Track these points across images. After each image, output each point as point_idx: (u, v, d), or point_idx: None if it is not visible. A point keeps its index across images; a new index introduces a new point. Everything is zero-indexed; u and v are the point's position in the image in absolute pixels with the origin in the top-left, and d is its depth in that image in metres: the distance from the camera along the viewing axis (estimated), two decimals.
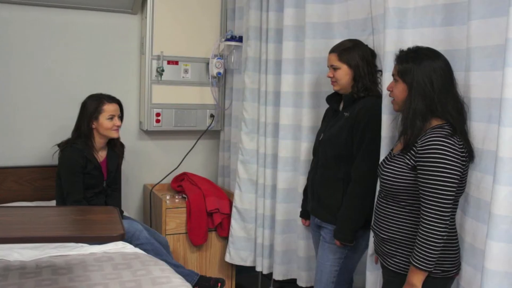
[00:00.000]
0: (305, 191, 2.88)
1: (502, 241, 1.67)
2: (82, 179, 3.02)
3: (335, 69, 2.53)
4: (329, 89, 2.66)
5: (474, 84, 1.93)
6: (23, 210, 2.44)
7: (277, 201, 3.21)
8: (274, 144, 3.28)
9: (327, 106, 2.75)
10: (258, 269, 3.45)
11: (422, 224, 1.88)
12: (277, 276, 3.28)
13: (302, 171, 3.00)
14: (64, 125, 3.29)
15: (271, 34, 3.25)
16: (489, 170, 1.88)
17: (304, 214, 2.92)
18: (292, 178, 3.16)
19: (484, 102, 1.91)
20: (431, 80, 1.93)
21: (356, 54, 2.48)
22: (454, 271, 1.99)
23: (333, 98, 2.66)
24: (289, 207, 3.17)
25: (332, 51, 2.56)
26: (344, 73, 2.51)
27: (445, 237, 1.87)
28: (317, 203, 2.64)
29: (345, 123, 2.49)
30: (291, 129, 3.14)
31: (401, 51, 2.06)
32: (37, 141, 3.53)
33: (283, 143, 3.15)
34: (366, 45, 2.55)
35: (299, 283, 3.16)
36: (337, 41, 2.65)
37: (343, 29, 2.82)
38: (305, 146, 2.99)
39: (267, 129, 3.31)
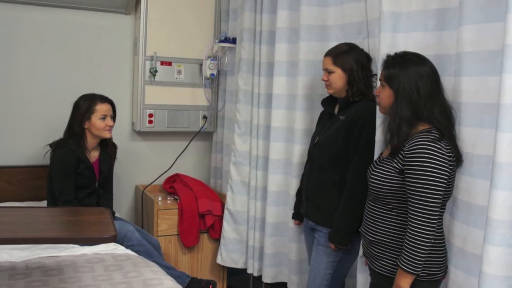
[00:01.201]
0: (298, 194, 2.88)
1: (500, 245, 1.68)
2: (74, 179, 3.01)
3: (329, 72, 2.52)
4: (324, 92, 2.66)
5: (465, 90, 1.94)
6: (14, 210, 2.43)
7: (268, 204, 3.21)
8: (265, 146, 3.27)
9: (321, 109, 2.75)
10: (250, 271, 3.44)
11: (410, 227, 1.88)
12: (266, 279, 3.28)
13: (294, 174, 3.00)
14: (56, 125, 3.26)
15: (264, 36, 3.25)
16: (480, 174, 1.89)
17: (297, 216, 2.91)
18: (283, 181, 3.16)
19: (475, 107, 1.91)
20: (417, 86, 1.93)
21: (351, 58, 2.48)
22: (441, 274, 1.99)
23: (329, 101, 2.66)
24: (280, 210, 3.17)
25: (327, 54, 2.56)
26: (338, 77, 2.51)
27: (432, 241, 1.87)
28: (312, 206, 2.63)
29: (341, 127, 2.49)
30: (283, 131, 3.13)
31: (388, 56, 2.07)
32: (28, 141, 3.51)
33: (274, 145, 3.15)
34: (362, 49, 2.56)
35: (290, 286, 3.15)
36: (333, 44, 2.65)
37: (339, 32, 2.82)
38: (299, 149, 2.99)
39: (259, 131, 3.31)
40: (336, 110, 2.62)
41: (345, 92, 2.52)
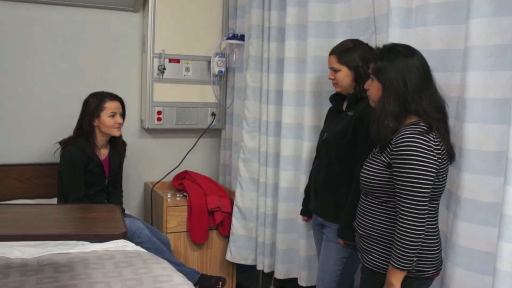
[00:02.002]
0: (306, 190, 2.88)
1: None
2: (83, 176, 3.02)
3: (335, 71, 2.52)
4: (331, 88, 2.66)
5: (472, 85, 1.92)
6: (25, 207, 2.44)
7: (279, 200, 3.21)
8: (276, 143, 3.28)
9: (329, 105, 2.74)
10: (259, 268, 3.45)
11: (399, 223, 1.86)
12: (279, 275, 3.28)
13: (304, 170, 3.00)
14: (65, 123, 3.28)
15: (273, 32, 3.24)
16: (488, 171, 1.87)
17: (305, 212, 2.91)
18: (293, 177, 3.16)
19: (482, 102, 1.89)
20: (404, 78, 1.91)
21: (355, 55, 2.47)
22: (431, 271, 1.97)
23: (337, 98, 2.65)
24: (291, 206, 3.17)
25: (332, 53, 2.55)
26: (345, 75, 2.50)
27: (422, 235, 1.84)
28: (320, 202, 2.64)
29: (349, 123, 2.48)
30: (293, 128, 3.14)
31: (377, 49, 2.04)
32: (38, 138, 3.53)
33: (285, 142, 3.15)
34: (366, 44, 2.54)
35: (300, 282, 3.15)
36: (340, 40, 2.64)
37: (346, 28, 2.82)
38: (307, 145, 2.99)
39: (269, 128, 3.31)
40: (345, 106, 2.62)
41: (352, 88, 2.52)
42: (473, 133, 1.93)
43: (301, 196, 2.98)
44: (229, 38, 3.71)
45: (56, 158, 3.13)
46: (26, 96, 3.50)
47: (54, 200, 3.33)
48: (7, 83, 3.44)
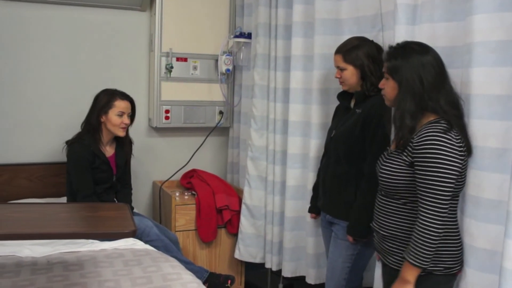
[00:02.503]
0: (315, 188, 2.88)
1: None
2: (91, 174, 3.03)
3: (341, 70, 2.52)
4: (339, 86, 2.65)
5: (475, 81, 1.90)
6: (34, 206, 2.45)
7: (286, 198, 3.21)
8: (283, 141, 3.28)
9: (337, 102, 2.74)
10: (268, 266, 3.45)
11: (419, 220, 1.86)
12: (286, 273, 3.28)
13: (311, 168, 3.00)
14: (74, 122, 3.30)
15: (280, 30, 3.25)
16: (491, 167, 1.85)
17: (313, 209, 2.91)
18: (301, 175, 3.16)
19: (485, 98, 1.87)
20: (420, 76, 1.90)
21: (361, 53, 2.47)
22: (457, 267, 1.97)
23: (344, 95, 2.65)
24: (298, 204, 3.17)
25: (337, 51, 2.55)
26: (351, 74, 2.50)
27: (442, 234, 1.84)
28: (329, 199, 2.63)
29: (358, 120, 2.47)
30: (300, 126, 3.13)
31: (390, 47, 2.03)
32: (47, 138, 3.55)
33: (292, 140, 3.15)
34: (372, 41, 2.53)
35: (308, 280, 3.16)
36: (347, 37, 2.63)
37: (353, 25, 2.81)
38: (315, 143, 2.99)
39: (276, 126, 3.31)
40: (352, 103, 2.61)
41: (359, 86, 2.52)
42: (478, 130, 1.92)
43: (308, 194, 2.97)
44: (236, 37, 3.71)
45: (65, 157, 3.14)
46: (35, 96, 3.52)
47: (64, 199, 3.35)
48: (16, 82, 3.46)
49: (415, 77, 1.90)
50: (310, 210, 2.95)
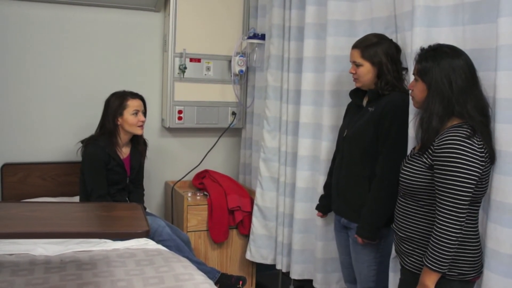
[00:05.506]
0: (326, 187, 2.84)
1: None
2: (105, 174, 3.05)
3: (357, 65, 2.47)
4: (350, 88, 2.63)
5: (502, 84, 1.88)
6: (48, 205, 2.47)
7: (296, 200, 3.21)
8: (294, 142, 3.28)
9: (348, 105, 2.72)
10: (278, 267, 3.45)
11: (437, 224, 1.85)
12: (294, 275, 3.28)
13: (322, 171, 2.98)
14: (88, 122, 3.32)
15: (293, 32, 3.24)
16: None
17: (321, 208, 2.87)
18: (310, 177, 3.15)
19: (509, 102, 1.86)
20: (449, 80, 1.89)
21: (380, 51, 2.42)
22: (473, 274, 1.95)
23: (357, 93, 2.60)
24: (307, 206, 3.16)
25: (355, 46, 2.49)
26: (367, 71, 2.45)
27: (459, 238, 1.84)
28: (344, 203, 2.58)
29: (370, 119, 2.43)
30: (311, 127, 3.13)
31: (422, 49, 2.02)
32: (61, 137, 3.58)
33: (302, 141, 3.15)
34: (391, 40, 2.49)
35: (315, 284, 3.13)
36: None
37: (366, 26, 2.80)
38: (325, 145, 2.97)
39: (288, 128, 3.31)
40: (365, 102, 2.56)
41: (373, 84, 2.47)
42: (502, 134, 1.90)
43: (318, 196, 2.94)
44: (250, 38, 3.71)
45: (79, 157, 3.16)
46: (49, 96, 3.54)
47: (77, 198, 3.37)
48: (30, 82, 3.49)
49: (444, 80, 1.90)
50: (317, 208, 2.90)
